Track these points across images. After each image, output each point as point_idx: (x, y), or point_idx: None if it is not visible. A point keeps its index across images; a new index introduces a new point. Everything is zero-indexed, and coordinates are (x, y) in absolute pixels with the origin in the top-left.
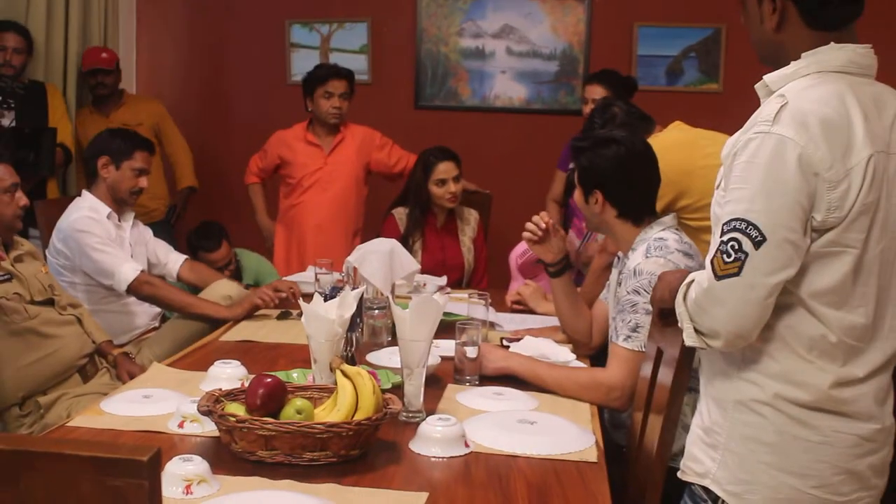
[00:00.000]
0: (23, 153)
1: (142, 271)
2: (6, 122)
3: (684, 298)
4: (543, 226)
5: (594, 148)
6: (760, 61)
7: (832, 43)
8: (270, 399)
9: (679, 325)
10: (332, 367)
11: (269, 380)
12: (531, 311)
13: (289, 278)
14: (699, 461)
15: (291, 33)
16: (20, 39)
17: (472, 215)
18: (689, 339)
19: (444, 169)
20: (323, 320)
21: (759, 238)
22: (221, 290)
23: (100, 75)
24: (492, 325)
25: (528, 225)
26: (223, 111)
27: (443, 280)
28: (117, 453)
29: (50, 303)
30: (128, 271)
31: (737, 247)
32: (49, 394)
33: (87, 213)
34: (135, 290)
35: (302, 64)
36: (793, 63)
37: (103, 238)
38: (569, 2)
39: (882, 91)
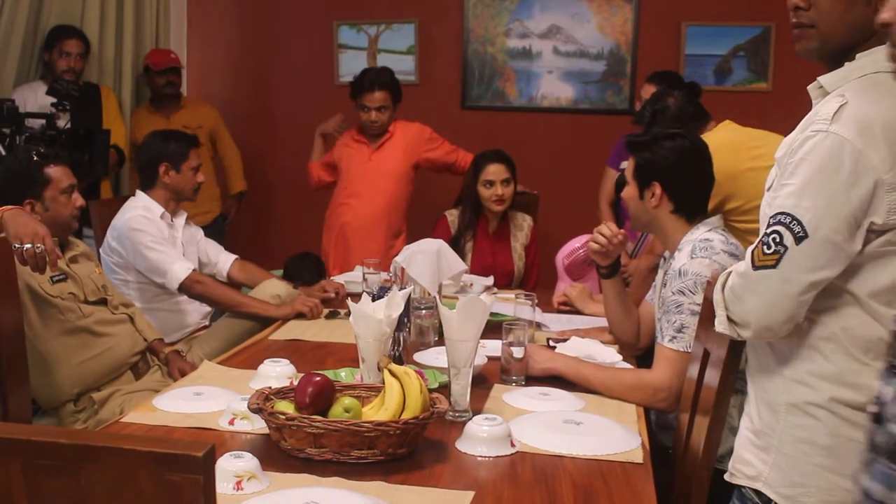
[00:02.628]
0: (77, 154)
1: (193, 270)
2: (61, 123)
3: (723, 287)
4: (618, 240)
5: (656, 141)
6: (821, 59)
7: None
8: (319, 397)
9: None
10: (380, 367)
11: (317, 378)
12: (578, 312)
13: (336, 278)
14: (750, 464)
15: (339, 34)
16: (81, 45)
17: (525, 221)
18: (721, 326)
19: (493, 171)
20: (371, 320)
21: (801, 234)
22: (271, 290)
23: (171, 74)
24: (538, 325)
25: (599, 237)
26: (272, 112)
27: (489, 280)
28: (174, 448)
29: (103, 302)
30: (180, 270)
31: (778, 240)
32: (103, 390)
33: (141, 212)
34: (186, 288)
35: (350, 65)
36: (847, 64)
37: (156, 237)
38: (616, 1)
39: None
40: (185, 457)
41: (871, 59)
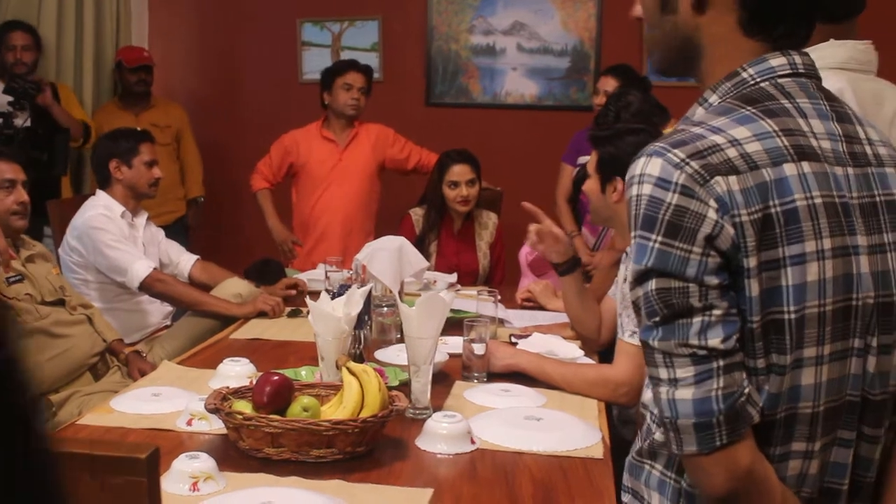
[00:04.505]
0: (36, 153)
1: (154, 268)
2: (20, 122)
3: None
4: (533, 237)
5: (619, 136)
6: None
7: (832, 40)
8: (277, 396)
9: None
10: (339, 365)
11: (275, 377)
12: (541, 308)
13: (300, 276)
14: None
15: (303, 32)
16: (27, 37)
17: (490, 219)
18: None
19: (458, 171)
20: (330, 318)
21: None
22: (232, 289)
23: (142, 72)
24: (501, 321)
25: (530, 227)
26: (235, 110)
27: (453, 277)
28: (117, 452)
29: (60, 303)
30: (140, 268)
31: None
32: (61, 392)
33: (101, 211)
34: (147, 286)
35: (313, 62)
36: None
37: (117, 235)
38: None
39: (883, 87)
40: (128, 460)
41: (815, 55)
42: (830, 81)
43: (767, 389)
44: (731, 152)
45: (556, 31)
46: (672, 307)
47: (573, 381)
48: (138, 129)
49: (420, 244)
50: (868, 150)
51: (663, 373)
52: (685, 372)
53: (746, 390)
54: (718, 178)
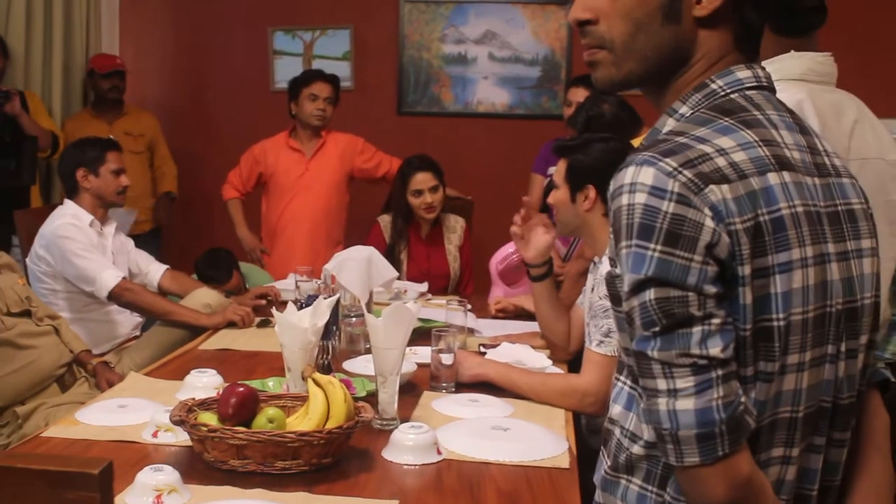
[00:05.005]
0: (3, 162)
1: (123, 278)
2: None
3: None
4: (531, 219)
5: (589, 143)
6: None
7: (792, 51)
8: (242, 408)
9: None
10: (304, 376)
11: (241, 389)
12: (513, 318)
13: (270, 284)
14: None
15: (274, 41)
16: None
17: (458, 223)
18: None
19: (421, 179)
20: (296, 329)
21: None
22: (201, 299)
23: (115, 78)
24: (471, 331)
25: (513, 227)
26: (207, 119)
27: (424, 286)
28: (69, 467)
29: (27, 314)
30: (109, 277)
31: None
32: (27, 404)
33: (69, 220)
34: (116, 296)
35: (285, 71)
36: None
37: (85, 244)
38: (550, 7)
39: (841, 98)
40: (80, 475)
41: (775, 67)
42: (790, 93)
43: (754, 397)
44: (721, 161)
45: (528, 40)
46: (673, 316)
47: (540, 391)
48: (104, 137)
49: (390, 252)
50: (827, 161)
51: (662, 384)
52: (685, 382)
53: (743, 399)
54: (713, 187)
